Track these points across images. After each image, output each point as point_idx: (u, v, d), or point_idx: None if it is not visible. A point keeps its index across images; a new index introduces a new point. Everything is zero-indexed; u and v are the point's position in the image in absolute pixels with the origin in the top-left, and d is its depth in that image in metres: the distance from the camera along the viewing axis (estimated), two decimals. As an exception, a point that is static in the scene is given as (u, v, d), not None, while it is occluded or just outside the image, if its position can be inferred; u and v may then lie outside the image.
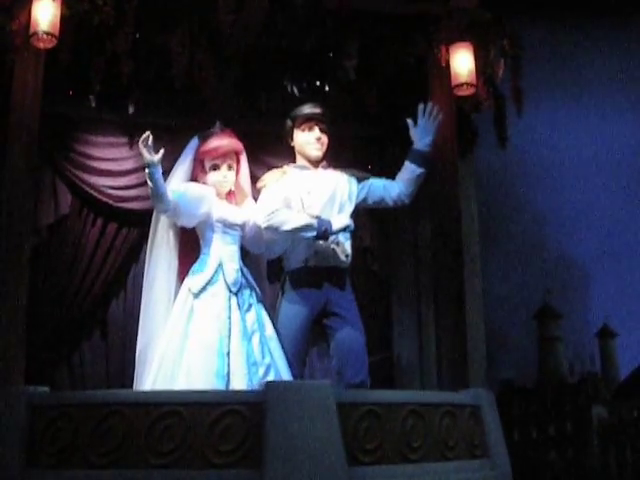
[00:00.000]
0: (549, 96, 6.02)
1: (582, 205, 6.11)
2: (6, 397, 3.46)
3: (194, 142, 4.14)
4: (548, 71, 6.09)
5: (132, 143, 5.39)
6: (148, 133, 3.72)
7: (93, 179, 5.36)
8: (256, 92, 5.26)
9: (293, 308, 4.11)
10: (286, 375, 3.90)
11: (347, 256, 4.20)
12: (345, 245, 4.20)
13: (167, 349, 3.78)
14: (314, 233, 4.00)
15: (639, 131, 6.15)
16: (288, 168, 4.29)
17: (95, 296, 5.32)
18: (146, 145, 3.71)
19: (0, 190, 4.36)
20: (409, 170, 4.25)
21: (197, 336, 3.79)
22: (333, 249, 4.14)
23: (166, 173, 4.98)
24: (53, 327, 5.16)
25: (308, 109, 4.24)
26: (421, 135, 4.21)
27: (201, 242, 4.07)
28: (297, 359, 4.08)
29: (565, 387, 5.82)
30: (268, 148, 5.23)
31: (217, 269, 3.96)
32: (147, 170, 3.74)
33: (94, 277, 5.30)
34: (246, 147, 4.26)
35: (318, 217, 4.04)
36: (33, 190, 4.52)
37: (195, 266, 3.99)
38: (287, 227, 4.01)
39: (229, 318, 3.87)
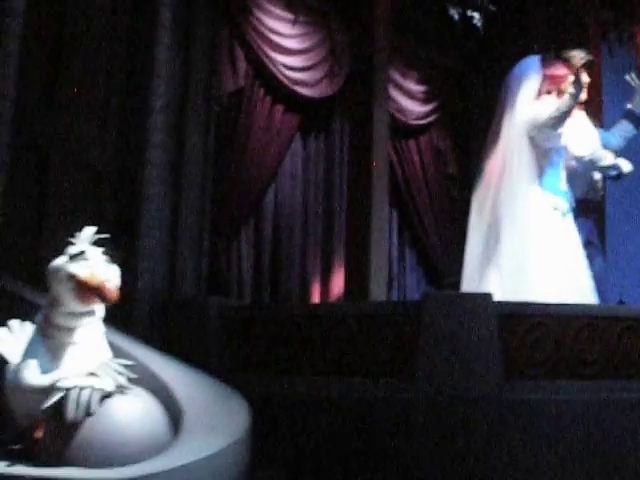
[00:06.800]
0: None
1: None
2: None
3: (536, 63, 4.14)
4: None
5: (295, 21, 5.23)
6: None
7: (268, 51, 5.02)
8: None
9: None
10: None
11: None
12: None
13: (559, 268, 3.88)
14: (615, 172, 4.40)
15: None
16: None
17: (257, 180, 5.03)
18: None
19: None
20: (628, 129, 4.57)
21: (581, 257, 4.00)
22: None
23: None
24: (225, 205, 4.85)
25: (592, 56, 4.36)
26: None
27: (542, 163, 4.08)
28: None
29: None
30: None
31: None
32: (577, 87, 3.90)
33: (259, 159, 5.01)
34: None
35: None
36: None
37: (545, 184, 4.04)
38: (603, 163, 4.34)
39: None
